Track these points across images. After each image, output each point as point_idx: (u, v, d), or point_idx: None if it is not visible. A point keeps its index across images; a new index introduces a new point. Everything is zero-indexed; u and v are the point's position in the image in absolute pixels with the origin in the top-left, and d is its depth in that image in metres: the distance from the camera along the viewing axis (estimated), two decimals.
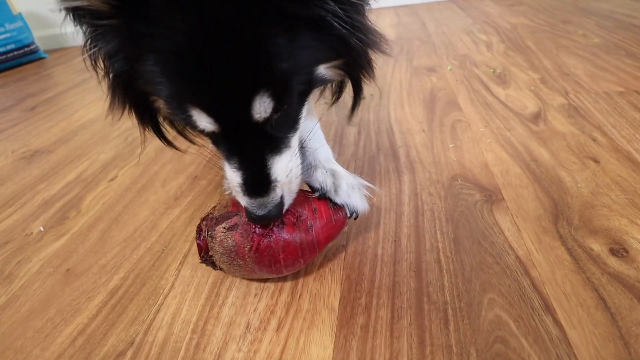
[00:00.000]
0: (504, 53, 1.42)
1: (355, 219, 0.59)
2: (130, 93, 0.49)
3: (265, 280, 0.60)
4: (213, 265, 0.56)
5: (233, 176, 0.49)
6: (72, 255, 0.71)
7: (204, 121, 0.44)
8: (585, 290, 0.52)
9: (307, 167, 0.58)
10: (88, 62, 0.49)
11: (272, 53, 0.41)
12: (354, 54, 0.47)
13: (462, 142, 0.89)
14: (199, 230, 0.56)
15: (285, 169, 0.49)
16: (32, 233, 0.80)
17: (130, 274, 0.65)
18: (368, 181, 0.61)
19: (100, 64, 0.49)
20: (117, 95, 0.50)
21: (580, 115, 0.94)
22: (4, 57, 2.27)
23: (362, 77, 0.53)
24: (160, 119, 0.58)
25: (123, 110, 0.53)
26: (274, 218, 0.49)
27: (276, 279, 0.59)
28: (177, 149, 0.67)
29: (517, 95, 1.08)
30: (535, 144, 0.85)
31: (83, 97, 1.62)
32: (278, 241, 0.51)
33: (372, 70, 0.53)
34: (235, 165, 0.48)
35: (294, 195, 0.52)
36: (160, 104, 0.50)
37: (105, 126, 1.26)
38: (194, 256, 0.66)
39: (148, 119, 0.56)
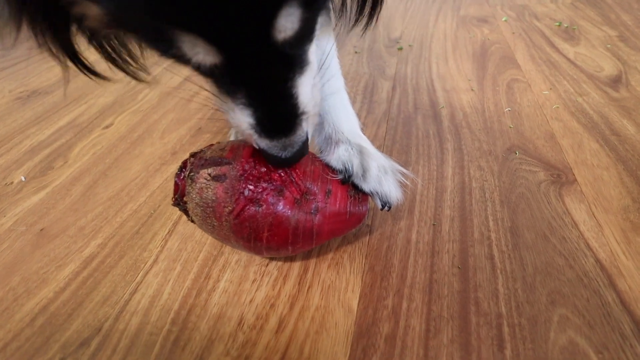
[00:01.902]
0: (571, 5, 1.19)
1: (388, 210, 0.45)
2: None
3: (267, 262, 0.48)
4: (186, 213, 0.45)
5: (241, 117, 0.36)
6: (49, 213, 0.62)
7: (200, 53, 0.30)
8: None
9: (326, 140, 0.45)
10: None
11: None
12: None
13: (521, 106, 0.72)
14: (182, 166, 0.45)
15: (311, 95, 0.36)
16: (12, 183, 0.70)
17: (109, 240, 0.55)
18: (402, 165, 0.47)
19: None
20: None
21: None
22: None
23: None
24: (77, 41, 0.42)
25: (18, 29, 0.36)
26: (301, 158, 0.39)
27: (282, 260, 0.48)
28: (105, 78, 0.48)
29: (590, 54, 0.88)
30: (616, 113, 0.67)
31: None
32: (267, 214, 0.39)
33: None
34: (245, 101, 0.35)
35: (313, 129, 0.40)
36: (99, 20, 0.33)
37: (107, 68, 1.14)
38: (185, 225, 0.55)
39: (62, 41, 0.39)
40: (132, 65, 0.45)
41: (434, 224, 0.50)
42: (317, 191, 0.41)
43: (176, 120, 0.82)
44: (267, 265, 0.48)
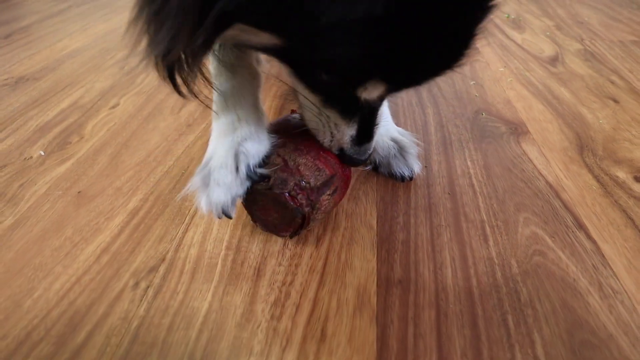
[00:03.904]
0: (517, 0, 1.38)
1: (410, 180, 0.59)
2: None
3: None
4: (306, 227, 0.48)
5: (346, 131, 0.44)
6: (81, 179, 0.67)
7: (375, 92, 0.37)
8: (614, 211, 0.53)
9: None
10: None
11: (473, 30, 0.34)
12: None
13: (483, 80, 0.87)
14: (298, 207, 0.45)
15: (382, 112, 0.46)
16: (31, 157, 0.74)
17: (149, 196, 0.62)
18: (413, 134, 0.62)
19: None
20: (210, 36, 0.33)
21: (596, 60, 0.94)
22: None
23: None
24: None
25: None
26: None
27: None
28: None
29: (533, 40, 1.06)
30: (555, 84, 0.84)
31: (64, 26, 1.48)
32: (351, 174, 0.52)
33: None
34: (354, 119, 0.43)
35: None
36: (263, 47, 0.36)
37: (96, 55, 1.17)
38: None
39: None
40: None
41: (425, 166, 0.63)
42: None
43: (182, 99, 0.89)
44: None
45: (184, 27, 0.31)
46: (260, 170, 0.44)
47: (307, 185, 0.44)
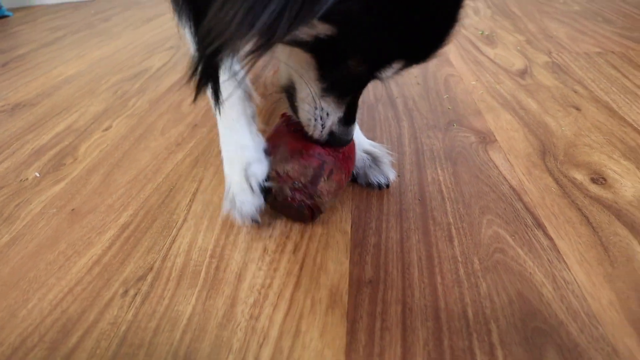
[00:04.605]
0: (491, 17, 1.46)
1: (387, 187, 0.64)
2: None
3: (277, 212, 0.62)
4: (321, 214, 0.57)
5: (336, 112, 0.51)
6: (75, 197, 0.71)
7: (394, 69, 0.45)
8: (570, 210, 0.58)
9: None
10: None
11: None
12: None
13: (456, 93, 0.93)
14: (301, 203, 0.54)
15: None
16: (27, 179, 0.78)
17: (139, 211, 0.66)
18: (384, 146, 0.68)
19: None
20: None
21: (562, 71, 1.00)
22: None
23: None
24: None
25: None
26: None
27: None
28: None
29: (505, 54, 1.12)
30: (523, 95, 0.90)
31: (60, 54, 1.54)
32: (351, 151, 0.58)
33: None
34: (345, 101, 0.50)
35: None
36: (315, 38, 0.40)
37: (91, 81, 1.22)
38: (204, 193, 0.68)
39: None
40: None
41: (398, 176, 0.67)
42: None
43: (172, 120, 0.94)
44: (277, 213, 0.62)
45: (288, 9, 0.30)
46: (266, 184, 0.55)
47: (300, 185, 0.53)
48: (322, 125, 0.52)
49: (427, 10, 0.39)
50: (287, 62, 0.50)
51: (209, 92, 0.47)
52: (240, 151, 0.58)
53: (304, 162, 0.54)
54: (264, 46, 0.33)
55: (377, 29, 0.39)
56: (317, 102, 0.50)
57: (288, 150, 0.55)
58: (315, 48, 0.43)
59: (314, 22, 0.37)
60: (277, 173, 0.54)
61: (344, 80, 0.47)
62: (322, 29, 0.39)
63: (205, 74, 0.40)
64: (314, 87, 0.49)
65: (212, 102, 0.50)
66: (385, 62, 0.44)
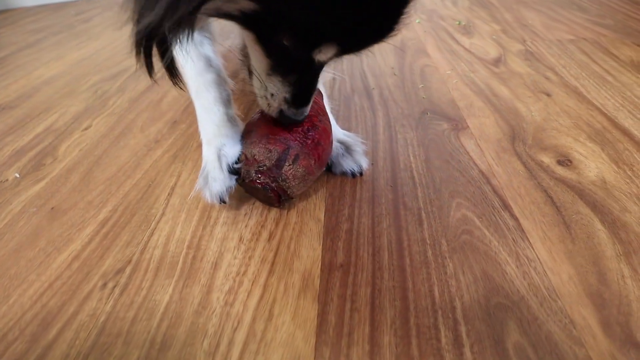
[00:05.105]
0: (469, 8, 1.48)
1: (360, 175, 0.66)
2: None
3: (254, 202, 0.63)
4: (290, 199, 0.58)
5: (282, 91, 0.51)
6: (54, 195, 0.72)
7: (326, 54, 0.45)
8: (536, 191, 0.60)
9: None
10: None
11: None
12: None
13: (431, 83, 0.94)
14: (265, 186, 0.56)
15: (320, 79, 0.54)
16: (7, 180, 0.79)
17: (118, 206, 0.67)
18: (358, 135, 0.70)
19: None
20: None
21: (535, 59, 1.02)
22: None
23: None
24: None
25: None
26: (304, 120, 0.56)
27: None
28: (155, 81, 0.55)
29: (481, 44, 1.14)
30: (496, 82, 0.92)
31: (40, 56, 1.53)
32: (322, 137, 0.58)
33: None
34: (292, 81, 0.50)
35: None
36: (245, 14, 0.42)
37: (71, 82, 1.22)
38: (182, 187, 0.69)
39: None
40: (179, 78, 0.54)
41: (372, 163, 0.69)
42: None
43: (151, 118, 0.94)
44: (254, 202, 0.63)
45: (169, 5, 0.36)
46: (236, 166, 0.58)
47: (264, 167, 0.55)
48: (272, 97, 0.53)
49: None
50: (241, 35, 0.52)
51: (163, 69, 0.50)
52: (217, 131, 0.60)
53: (270, 146, 0.55)
54: (179, 20, 0.37)
55: (301, 7, 0.39)
56: (263, 78, 0.52)
57: (257, 135, 0.57)
58: (246, 23, 0.45)
59: None
60: (246, 156, 0.57)
61: (285, 59, 0.48)
62: (244, 3, 0.40)
63: (139, 48, 0.44)
64: (258, 64, 0.51)
65: (148, 73, 0.50)
66: (314, 43, 0.43)
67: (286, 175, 0.55)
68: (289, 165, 0.55)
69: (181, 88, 0.57)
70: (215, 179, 0.57)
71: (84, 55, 1.46)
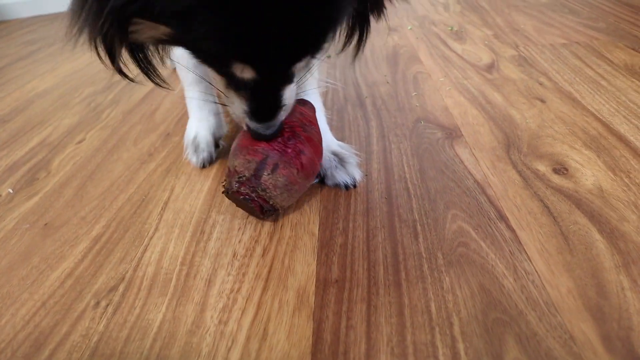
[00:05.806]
0: (460, 13, 1.48)
1: (354, 188, 0.65)
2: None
3: (247, 216, 0.63)
4: (275, 210, 0.58)
5: (240, 105, 0.51)
6: (48, 211, 0.71)
7: (246, 73, 0.44)
8: (532, 201, 0.59)
9: None
10: None
11: (325, 13, 0.40)
12: None
13: (424, 90, 0.94)
14: (246, 196, 0.56)
15: (291, 95, 0.52)
16: (0, 196, 0.78)
17: (112, 222, 0.66)
18: (352, 146, 0.71)
19: None
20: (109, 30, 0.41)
21: (528, 64, 1.02)
22: None
23: (376, 14, 0.53)
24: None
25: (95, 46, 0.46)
26: (276, 135, 0.55)
27: None
28: (132, 80, 0.55)
29: (473, 49, 1.14)
30: (489, 89, 0.92)
31: (34, 68, 1.53)
32: (305, 147, 0.57)
33: (385, 6, 0.53)
34: (246, 96, 0.49)
35: (289, 110, 0.56)
36: (157, 38, 0.44)
37: (65, 94, 1.21)
38: (176, 202, 0.68)
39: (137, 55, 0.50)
40: (157, 76, 0.54)
41: (366, 175, 0.69)
42: (296, 118, 0.60)
43: (145, 130, 0.94)
44: (248, 217, 0.63)
45: (93, 22, 0.39)
46: (221, 143, 0.78)
47: (244, 178, 0.56)
48: (236, 116, 0.53)
49: (252, 17, 0.36)
50: None
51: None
52: (209, 114, 0.77)
53: (249, 157, 0.55)
54: (106, 35, 0.41)
55: (201, 29, 0.38)
56: (223, 92, 0.52)
57: (239, 147, 0.58)
58: (178, 46, 0.45)
59: (147, 22, 0.40)
60: (229, 168, 0.58)
61: (228, 76, 0.47)
62: (163, 29, 0.41)
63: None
64: (216, 80, 0.52)
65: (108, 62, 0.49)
66: (225, 64, 0.44)
67: (265, 185, 0.55)
68: (268, 174, 0.54)
69: (161, 86, 0.56)
70: (203, 149, 0.74)
71: (77, 67, 1.46)
